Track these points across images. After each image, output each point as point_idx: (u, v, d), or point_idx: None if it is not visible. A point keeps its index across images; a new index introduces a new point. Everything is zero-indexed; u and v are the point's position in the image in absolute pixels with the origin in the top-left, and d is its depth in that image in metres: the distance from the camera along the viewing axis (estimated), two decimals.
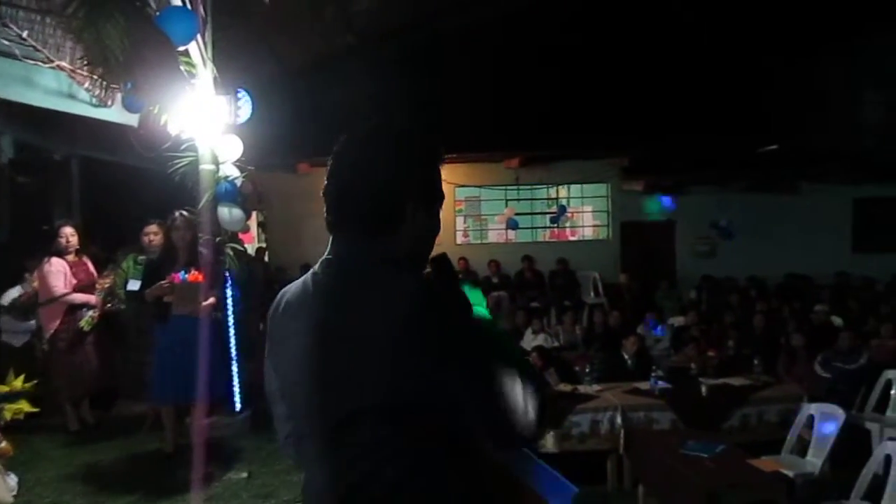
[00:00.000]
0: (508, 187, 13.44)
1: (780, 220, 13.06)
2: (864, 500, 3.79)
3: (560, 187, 13.82)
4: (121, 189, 7.65)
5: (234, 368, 5.66)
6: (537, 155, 12.76)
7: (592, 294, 12.26)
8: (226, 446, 5.50)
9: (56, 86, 4.80)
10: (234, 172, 5.41)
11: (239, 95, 5.32)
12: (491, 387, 1.19)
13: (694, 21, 11.04)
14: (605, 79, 11.37)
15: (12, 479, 4.62)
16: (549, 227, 13.89)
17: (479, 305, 1.38)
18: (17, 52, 4.30)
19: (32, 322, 6.24)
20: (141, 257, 5.83)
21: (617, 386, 5.71)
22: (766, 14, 11.02)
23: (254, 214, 10.06)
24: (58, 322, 5.79)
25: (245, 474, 5.02)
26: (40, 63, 4.43)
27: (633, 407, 5.20)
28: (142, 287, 5.09)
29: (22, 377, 4.63)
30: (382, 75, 9.93)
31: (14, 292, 6.34)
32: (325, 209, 1.36)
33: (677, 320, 9.08)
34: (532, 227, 13.82)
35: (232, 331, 5.60)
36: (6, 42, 4.23)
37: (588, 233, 14.11)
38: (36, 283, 5.96)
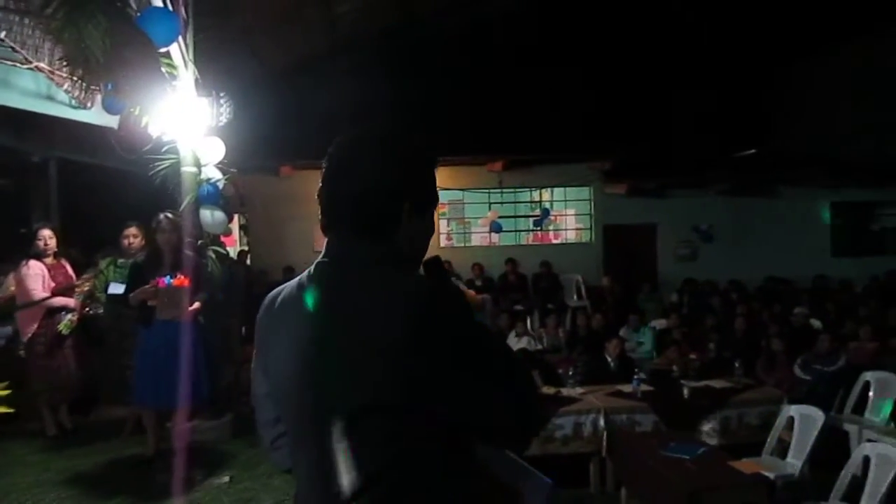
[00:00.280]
0: (492, 190, 13.47)
1: (760, 223, 13.21)
2: (842, 502, 3.84)
3: (543, 190, 13.86)
4: (101, 192, 7.57)
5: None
6: (520, 158, 12.80)
7: (575, 297, 12.31)
8: (207, 450, 5.46)
9: (34, 87, 4.74)
10: (216, 175, 5.37)
11: (220, 98, 5.28)
12: (491, 387, 1.20)
13: (676, 27, 11.15)
14: (588, 82, 11.44)
15: None
16: (533, 231, 13.92)
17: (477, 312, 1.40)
18: None
19: (9, 326, 6.15)
20: (121, 260, 5.76)
21: (600, 388, 5.74)
22: (746, 22, 11.16)
23: (236, 217, 10.00)
24: (36, 325, 5.71)
25: (227, 479, 4.98)
26: (18, 64, 4.38)
27: (615, 409, 5.23)
28: (126, 290, 5.02)
29: None
30: (366, 78, 9.93)
31: None
32: (319, 211, 1.37)
33: (659, 323, 9.14)
34: (515, 231, 13.85)
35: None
36: None
37: (571, 236, 14.17)
38: (13, 287, 5.87)
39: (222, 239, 6.10)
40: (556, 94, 11.40)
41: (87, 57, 3.05)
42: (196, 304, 4.94)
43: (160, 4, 4.14)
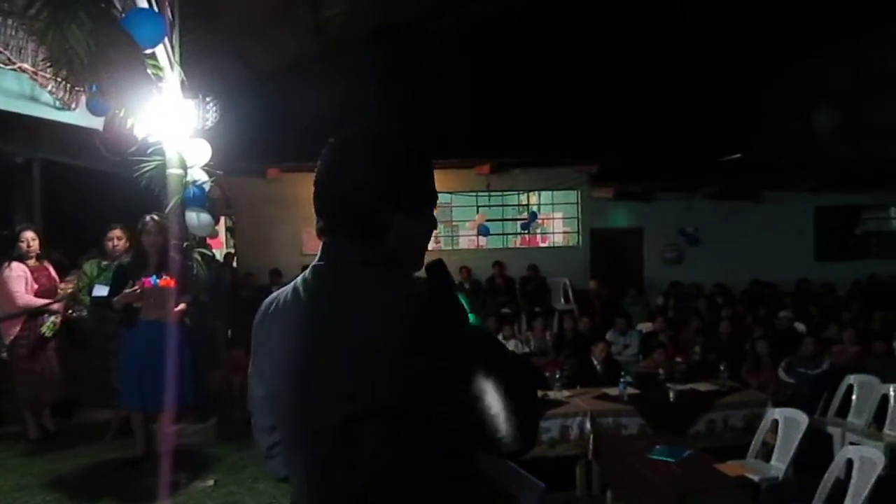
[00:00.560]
0: (479, 193, 13.49)
1: (745, 227, 13.30)
2: None
3: (531, 194, 13.90)
4: (85, 193, 7.51)
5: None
6: (508, 161, 12.83)
7: (562, 300, 12.34)
8: (192, 454, 5.42)
9: (18, 88, 4.69)
10: (202, 177, 5.35)
11: (207, 100, 5.26)
12: (490, 393, 1.18)
13: (663, 32, 11.22)
14: (575, 86, 11.50)
15: None
16: (520, 234, 13.95)
17: (471, 313, 1.39)
18: None
19: None
20: (105, 262, 5.72)
21: (586, 391, 5.75)
22: (733, 27, 11.25)
23: (222, 219, 9.95)
24: (18, 328, 5.65)
25: (211, 482, 4.95)
26: (1, 65, 4.33)
27: (602, 412, 5.24)
28: (110, 292, 4.99)
29: None
30: (353, 81, 9.91)
31: None
32: (308, 214, 1.39)
33: (645, 326, 9.18)
34: (503, 234, 13.87)
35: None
36: None
37: (558, 239, 14.21)
38: None
39: (208, 241, 6.07)
40: (543, 97, 11.44)
41: (70, 58, 3.02)
42: (181, 306, 4.91)
43: (145, 6, 4.12)
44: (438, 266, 1.38)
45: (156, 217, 5.04)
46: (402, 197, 1.30)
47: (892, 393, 5.46)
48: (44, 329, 5.72)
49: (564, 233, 14.17)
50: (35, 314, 5.70)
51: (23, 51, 4.11)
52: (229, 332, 8.03)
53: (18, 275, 5.60)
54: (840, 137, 11.57)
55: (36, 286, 5.69)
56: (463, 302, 1.31)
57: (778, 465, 4.64)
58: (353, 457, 1.19)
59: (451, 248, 13.66)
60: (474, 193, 13.47)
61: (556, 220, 14.18)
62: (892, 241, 14.73)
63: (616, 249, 13.63)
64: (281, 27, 8.41)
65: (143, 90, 3.55)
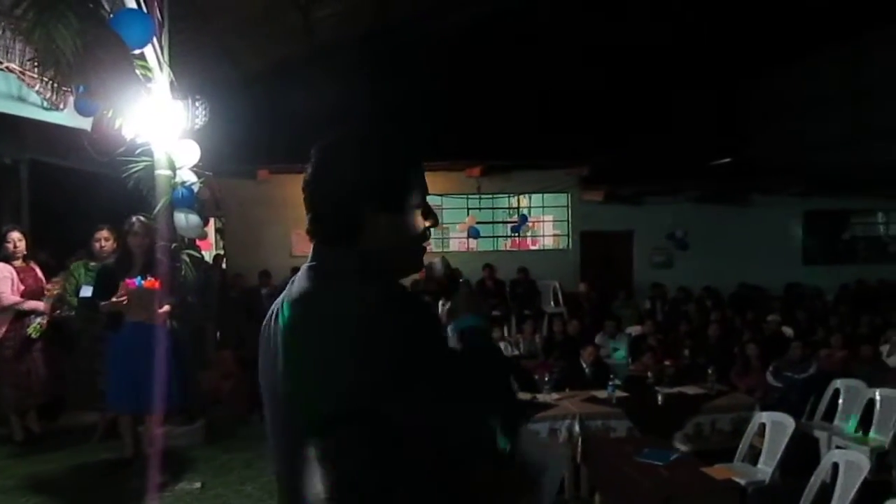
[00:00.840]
0: (470, 196, 13.50)
1: (734, 231, 13.37)
2: None
3: (521, 196, 13.92)
4: (73, 194, 7.47)
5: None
6: (498, 164, 12.85)
7: (552, 303, 12.36)
8: (180, 456, 5.39)
9: (5, 88, 4.65)
10: (191, 178, 5.32)
11: (197, 101, 5.24)
12: (447, 405, 1.16)
13: (652, 37, 11.27)
14: (566, 90, 11.53)
15: None
16: (511, 237, 13.97)
17: (475, 316, 1.39)
18: None
19: None
20: (92, 263, 5.68)
21: (575, 394, 5.76)
22: (722, 33, 11.31)
23: (211, 221, 9.91)
24: (4, 329, 5.60)
25: (198, 485, 4.93)
26: None
27: (590, 415, 5.25)
28: (94, 292, 4.96)
29: None
30: (344, 83, 9.91)
31: None
32: (297, 216, 1.39)
33: (635, 329, 9.20)
34: (493, 236, 13.89)
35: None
36: None
37: (548, 242, 14.23)
38: None
39: (198, 243, 6.04)
40: (533, 100, 11.47)
41: (57, 58, 3.00)
42: (166, 307, 4.90)
43: (134, 6, 4.10)
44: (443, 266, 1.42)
45: (142, 218, 5.02)
46: (386, 197, 1.29)
47: (877, 397, 5.50)
48: (30, 330, 5.67)
49: (554, 235, 14.20)
50: (21, 315, 5.66)
51: (10, 51, 4.08)
52: (218, 334, 8.01)
53: (4, 276, 5.55)
54: (829, 142, 11.66)
55: (22, 287, 5.65)
56: (466, 303, 1.35)
57: (765, 468, 4.66)
58: (317, 464, 1.20)
59: (441, 250, 13.64)
60: (465, 196, 13.48)
61: (546, 222, 14.21)
62: (880, 246, 14.86)
63: (606, 252, 13.66)
64: (271, 28, 8.39)
65: (132, 91, 3.53)
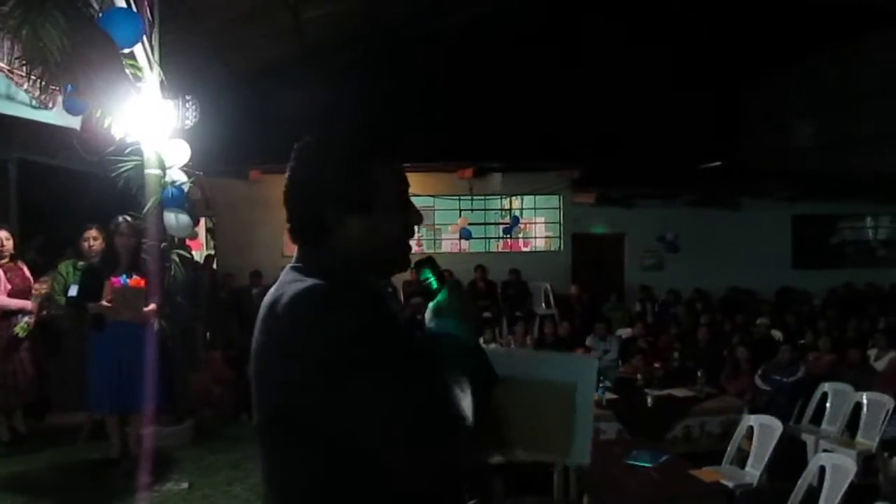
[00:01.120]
0: (462, 197, 13.51)
1: (724, 234, 13.42)
2: None
3: (513, 198, 13.94)
4: (62, 193, 7.42)
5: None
6: (490, 166, 12.86)
7: (543, 305, 12.37)
8: (167, 456, 5.36)
9: None
10: (181, 177, 5.31)
11: (187, 100, 5.23)
12: (381, 411, 1.12)
13: (644, 40, 11.31)
14: (558, 91, 11.55)
15: None
16: (502, 238, 13.99)
17: (457, 321, 1.34)
18: None
19: None
20: (81, 263, 5.65)
21: None
22: (714, 37, 11.37)
23: (202, 221, 9.88)
24: None
25: (185, 485, 4.90)
26: None
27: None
28: (79, 291, 4.93)
29: None
30: (336, 83, 9.90)
31: None
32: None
33: (625, 332, 9.22)
34: (485, 238, 13.90)
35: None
36: None
37: (540, 244, 14.25)
38: None
39: (188, 242, 6.02)
40: (526, 102, 11.49)
41: (45, 57, 2.98)
42: (152, 306, 4.87)
43: (123, 5, 4.09)
44: (426, 263, 1.41)
45: (129, 218, 5.00)
46: (349, 198, 1.27)
47: (864, 401, 5.53)
48: (17, 329, 5.62)
49: (546, 237, 14.22)
50: (8, 314, 5.62)
51: None
52: (207, 334, 7.97)
53: None
54: (818, 147, 11.73)
55: (10, 286, 5.60)
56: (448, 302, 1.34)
57: (752, 471, 4.68)
58: (268, 462, 1.25)
59: (433, 251, 13.64)
60: (457, 197, 13.48)
61: (538, 224, 14.23)
62: (868, 251, 14.95)
63: (597, 255, 13.70)
64: (262, 28, 8.38)
65: (121, 90, 3.51)
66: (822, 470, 3.96)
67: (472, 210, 13.70)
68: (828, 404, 5.88)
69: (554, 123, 11.63)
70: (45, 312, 5.85)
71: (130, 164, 5.11)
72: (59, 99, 4.70)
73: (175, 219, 5.23)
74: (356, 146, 1.33)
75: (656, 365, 7.17)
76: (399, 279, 10.06)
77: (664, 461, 4.26)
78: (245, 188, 12.16)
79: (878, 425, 5.35)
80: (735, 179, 12.71)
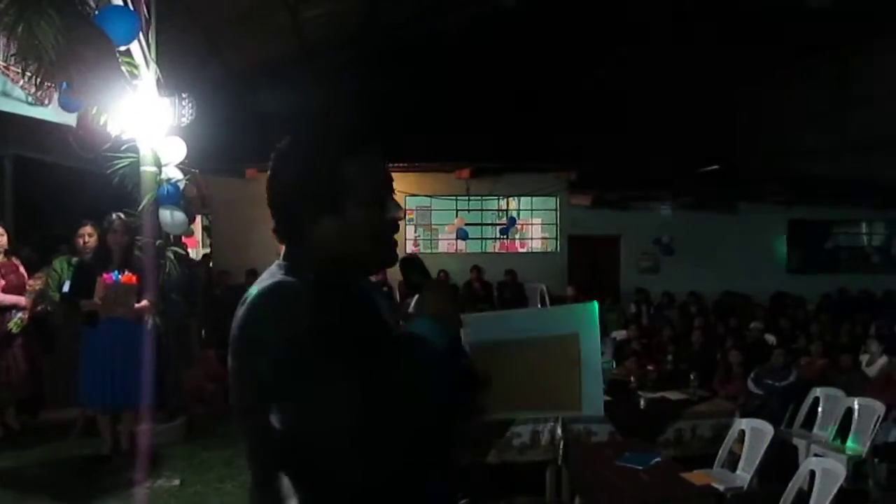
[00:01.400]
0: (459, 197, 13.51)
1: (719, 238, 13.44)
2: None
3: (510, 199, 13.96)
4: (57, 190, 7.42)
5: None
6: (487, 166, 12.87)
7: (539, 306, 12.37)
8: (159, 453, 5.36)
9: None
10: (177, 175, 5.31)
11: (183, 98, 5.24)
12: (323, 412, 1.11)
13: (642, 43, 11.32)
14: (555, 93, 11.57)
15: None
16: (499, 239, 14.00)
17: (433, 322, 1.29)
18: None
19: None
20: (75, 259, 5.65)
21: None
22: (712, 41, 11.38)
23: (198, 218, 9.87)
24: None
25: (177, 482, 4.90)
26: None
27: (572, 418, 5.25)
28: (71, 287, 4.93)
29: None
30: (334, 82, 9.90)
31: None
32: None
33: (619, 334, 9.22)
34: (482, 238, 13.91)
35: None
36: None
37: (537, 245, 14.27)
38: None
39: (184, 240, 6.02)
40: (523, 103, 11.50)
41: (39, 54, 2.99)
42: (144, 303, 4.87)
43: (119, 2, 4.09)
44: (410, 261, 1.40)
45: (122, 216, 5.01)
46: (326, 199, 1.27)
47: (856, 406, 5.55)
48: (11, 325, 5.62)
49: (543, 239, 14.23)
50: (2, 310, 5.61)
51: None
52: (202, 332, 7.96)
53: None
54: (814, 153, 11.76)
55: (4, 282, 5.60)
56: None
57: (743, 474, 4.68)
58: (248, 455, 1.29)
59: (429, 251, 13.65)
60: (454, 197, 13.49)
61: (534, 225, 14.25)
62: (862, 256, 14.99)
63: (593, 256, 13.72)
64: (260, 27, 8.37)
65: (116, 87, 3.52)
66: (813, 474, 3.97)
67: (468, 210, 13.71)
68: (819, 409, 5.89)
69: (552, 125, 11.64)
70: (39, 308, 5.85)
71: (126, 162, 5.12)
72: (55, 96, 4.70)
73: (170, 216, 5.24)
74: (325, 147, 1.33)
75: (650, 367, 7.18)
76: (397, 279, 10.05)
77: (656, 464, 4.27)
78: (241, 186, 12.13)
79: (868, 430, 5.36)
80: (731, 183, 12.73)
